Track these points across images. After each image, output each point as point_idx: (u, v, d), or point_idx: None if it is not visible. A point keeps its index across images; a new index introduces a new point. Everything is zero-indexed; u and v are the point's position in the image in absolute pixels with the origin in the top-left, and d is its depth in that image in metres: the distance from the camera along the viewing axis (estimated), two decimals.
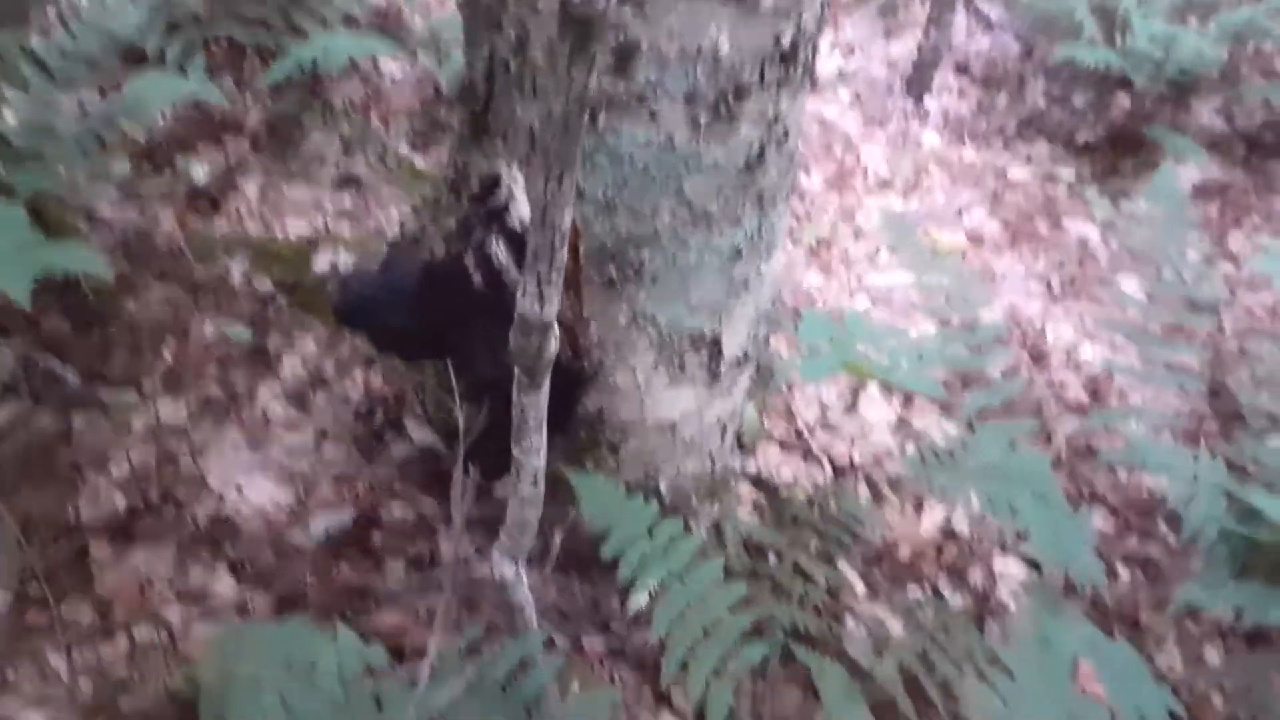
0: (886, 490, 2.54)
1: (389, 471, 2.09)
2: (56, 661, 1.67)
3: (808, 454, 2.56)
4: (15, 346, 2.17)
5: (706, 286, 1.75)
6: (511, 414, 1.86)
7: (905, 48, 4.60)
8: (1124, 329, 2.91)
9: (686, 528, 1.80)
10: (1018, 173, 4.03)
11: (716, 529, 2.06)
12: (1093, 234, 3.68)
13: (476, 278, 1.73)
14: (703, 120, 1.59)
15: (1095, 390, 2.97)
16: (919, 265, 2.49)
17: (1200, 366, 2.95)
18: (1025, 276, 3.43)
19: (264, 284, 2.44)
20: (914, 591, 2.27)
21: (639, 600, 1.69)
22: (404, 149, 3.34)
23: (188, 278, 2.45)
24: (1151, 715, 1.75)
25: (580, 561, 1.95)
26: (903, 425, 2.75)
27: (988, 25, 4.82)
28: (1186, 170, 3.95)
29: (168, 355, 2.25)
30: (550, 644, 1.77)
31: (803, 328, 2.22)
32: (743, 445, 2.35)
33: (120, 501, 1.95)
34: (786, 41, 1.58)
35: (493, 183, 1.75)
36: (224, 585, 1.85)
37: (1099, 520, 2.57)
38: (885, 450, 2.65)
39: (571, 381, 1.83)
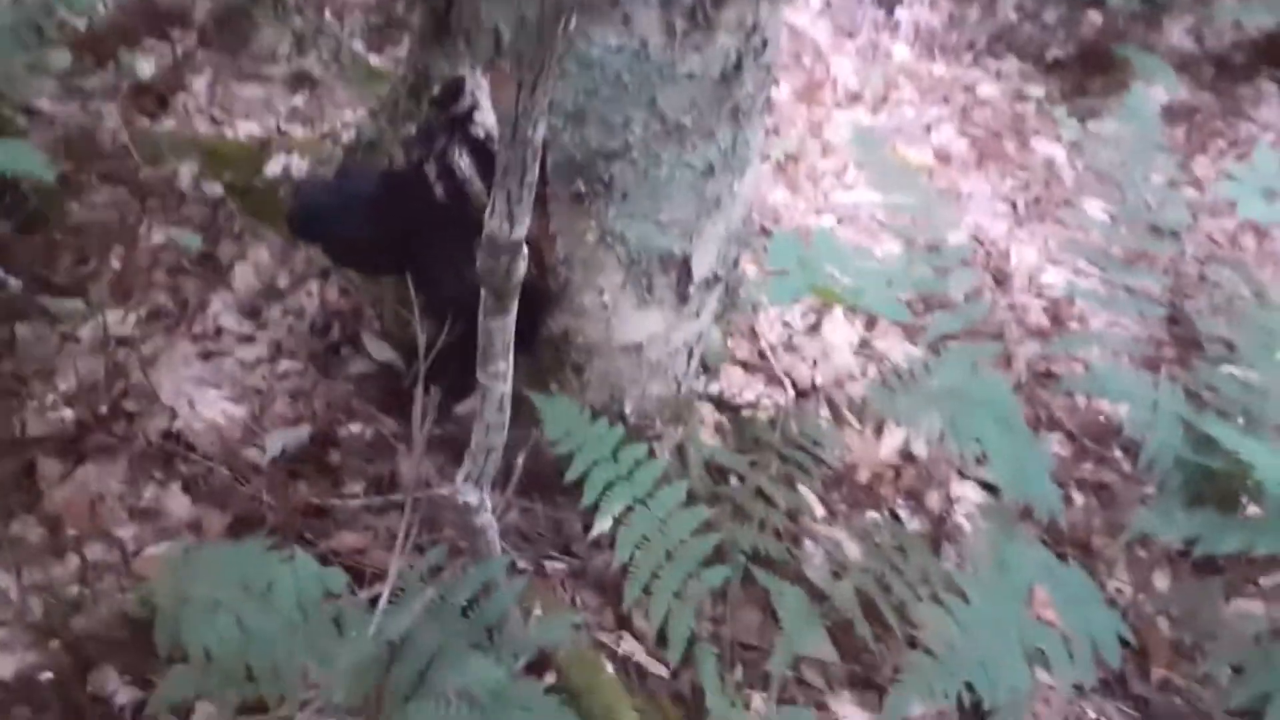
0: (847, 413, 2.54)
1: (346, 388, 2.04)
2: (5, 581, 1.62)
3: (770, 376, 2.55)
4: None
5: (677, 204, 1.70)
6: (475, 332, 1.83)
7: None
8: (1087, 253, 2.91)
9: (651, 452, 1.78)
10: (987, 89, 3.97)
11: (680, 451, 2.05)
12: (1059, 154, 3.65)
13: (438, 189, 1.66)
14: (679, 26, 1.52)
15: (1056, 315, 2.98)
16: (886, 183, 2.45)
17: (1161, 292, 2.96)
18: (991, 197, 3.41)
19: (214, 188, 2.35)
20: (872, 514, 2.28)
21: (603, 525, 1.67)
22: (359, 47, 3.21)
23: (134, 180, 2.35)
24: (1102, 640, 1.79)
25: (542, 484, 1.93)
26: (865, 347, 2.74)
27: None
28: (1155, 91, 3.91)
29: (115, 262, 2.16)
30: (513, 568, 1.75)
31: (771, 249, 2.18)
32: (706, 367, 2.32)
33: (68, 415, 1.88)
34: None
35: (455, 88, 1.67)
36: (177, 503, 1.80)
37: (1056, 445, 2.60)
38: (847, 372, 2.65)
39: (536, 301, 1.78)
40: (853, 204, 3.21)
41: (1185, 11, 4.23)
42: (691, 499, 1.80)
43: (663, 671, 1.77)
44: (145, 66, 2.74)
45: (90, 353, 1.99)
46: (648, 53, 1.52)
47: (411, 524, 1.79)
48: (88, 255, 2.18)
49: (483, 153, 1.60)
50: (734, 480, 2.11)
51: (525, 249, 1.26)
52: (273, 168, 2.30)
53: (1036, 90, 3.99)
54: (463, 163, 1.61)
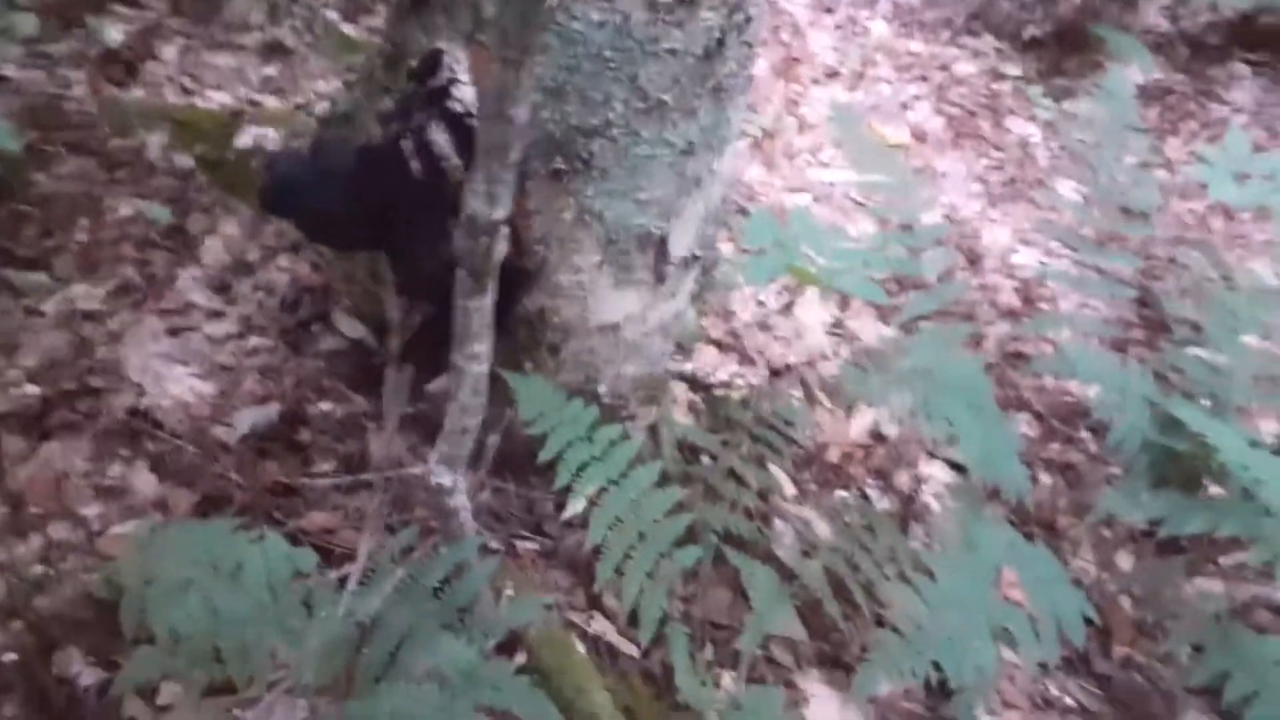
0: (819, 392, 2.55)
1: (317, 366, 2.02)
2: None
3: (744, 355, 2.55)
4: None
5: (657, 182, 1.69)
6: (448, 311, 1.81)
7: None
8: (1059, 234, 2.93)
9: (625, 432, 1.78)
10: (964, 68, 3.97)
11: (653, 431, 2.05)
12: (1034, 134, 3.67)
13: (414, 165, 1.64)
14: (662, 1, 1.50)
15: (1027, 295, 2.99)
16: (863, 162, 2.44)
17: (1131, 274, 2.98)
18: (965, 176, 3.41)
19: (184, 160, 2.31)
20: (842, 493, 2.30)
21: (576, 506, 1.67)
22: (333, 16, 3.16)
23: (102, 150, 2.31)
24: (1067, 619, 1.82)
25: (515, 463, 1.92)
26: (838, 327, 2.75)
27: None
28: (1130, 72, 3.93)
29: (81, 234, 2.12)
30: (486, 549, 1.75)
31: (748, 228, 2.18)
32: (680, 346, 2.32)
33: (32, 391, 1.86)
34: None
35: (433, 61, 1.64)
36: (144, 481, 1.78)
37: (1024, 425, 2.62)
38: (820, 352, 2.65)
39: (512, 280, 1.77)
40: (828, 182, 3.21)
41: None
42: (664, 479, 1.80)
43: (633, 651, 1.78)
44: (114, 33, 2.68)
45: (55, 328, 1.96)
46: (630, 28, 1.51)
47: (382, 503, 1.79)
48: (53, 227, 2.14)
49: (461, 128, 1.58)
50: (706, 460, 2.11)
51: (505, 229, 1.25)
52: (244, 139, 2.27)
53: (1013, 69, 3.99)
54: (440, 138, 1.59)
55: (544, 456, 1.68)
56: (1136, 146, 2.52)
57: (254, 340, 2.04)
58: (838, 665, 1.91)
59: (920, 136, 3.56)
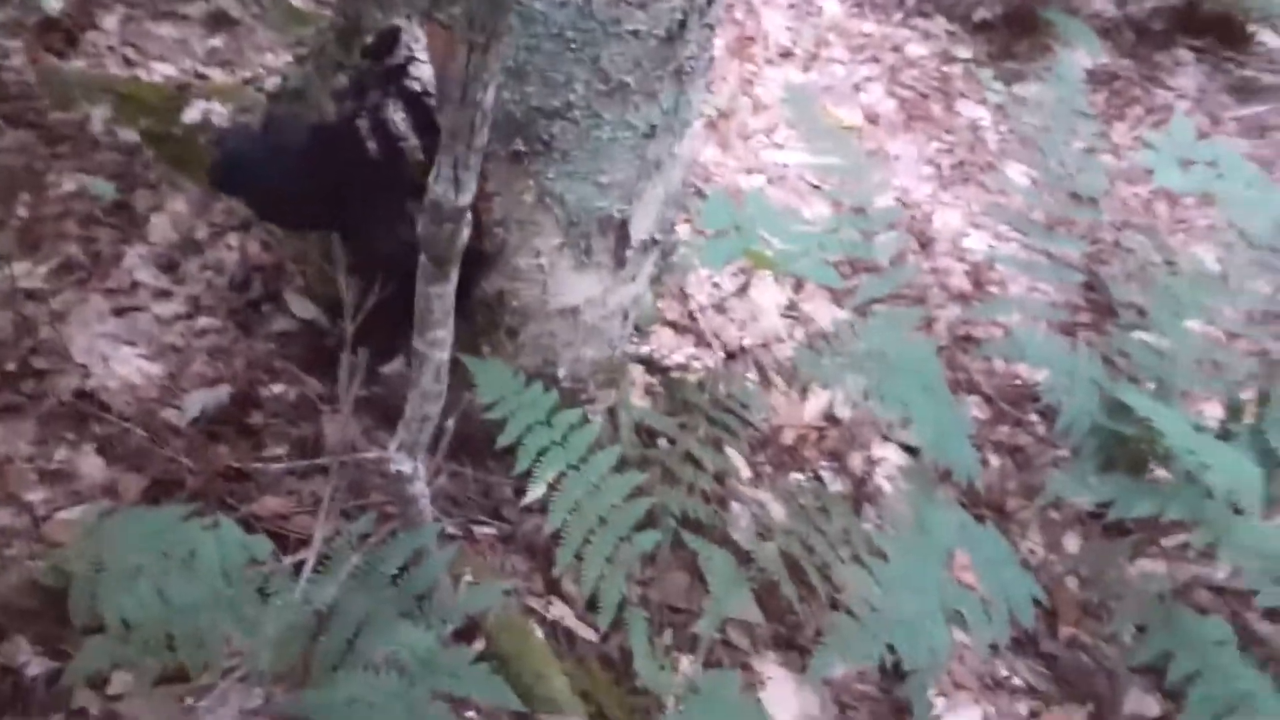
0: (773, 374, 2.56)
1: (268, 347, 1.99)
2: None
3: (700, 337, 2.55)
4: None
5: (618, 165, 1.68)
6: (405, 292, 1.79)
7: None
8: (1008, 217, 2.96)
9: (584, 417, 1.77)
10: (915, 49, 3.99)
11: (611, 414, 2.04)
12: (984, 117, 3.70)
13: (370, 144, 1.61)
14: None
15: (977, 279, 3.03)
16: (817, 144, 2.45)
17: (1079, 258, 3.02)
18: (917, 159, 3.44)
19: (129, 134, 2.24)
20: (796, 476, 2.31)
21: (537, 491, 1.66)
22: None
23: (42, 123, 2.23)
24: (1016, 600, 1.85)
25: (472, 447, 1.91)
26: (792, 309, 2.76)
27: None
28: (1077, 56, 3.97)
29: (22, 210, 2.06)
30: (444, 536, 1.74)
31: (705, 211, 2.17)
32: (637, 327, 2.32)
33: None
34: None
35: (390, 38, 1.61)
36: (91, 465, 1.74)
37: (974, 408, 2.65)
38: (775, 334, 2.66)
39: (471, 262, 1.74)
40: (783, 163, 3.21)
41: None
42: (622, 463, 1.79)
43: (592, 636, 1.78)
44: (53, 1, 2.59)
45: None
46: (592, 8, 1.49)
47: (337, 488, 1.76)
48: None
49: (419, 107, 1.55)
50: (663, 443, 2.11)
51: (469, 215, 1.23)
52: (192, 114, 2.21)
53: (964, 52, 4.02)
54: (397, 117, 1.56)
55: (503, 441, 1.67)
56: (1084, 131, 2.55)
57: (203, 320, 1.99)
58: (793, 648, 1.93)
59: (873, 118, 3.57)
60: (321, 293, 2.06)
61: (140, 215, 2.13)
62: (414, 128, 1.58)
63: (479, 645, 1.65)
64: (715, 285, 2.72)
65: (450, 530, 1.80)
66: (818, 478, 2.34)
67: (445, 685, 1.39)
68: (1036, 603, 1.86)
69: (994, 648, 2.01)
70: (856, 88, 3.67)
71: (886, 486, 2.34)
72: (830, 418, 2.50)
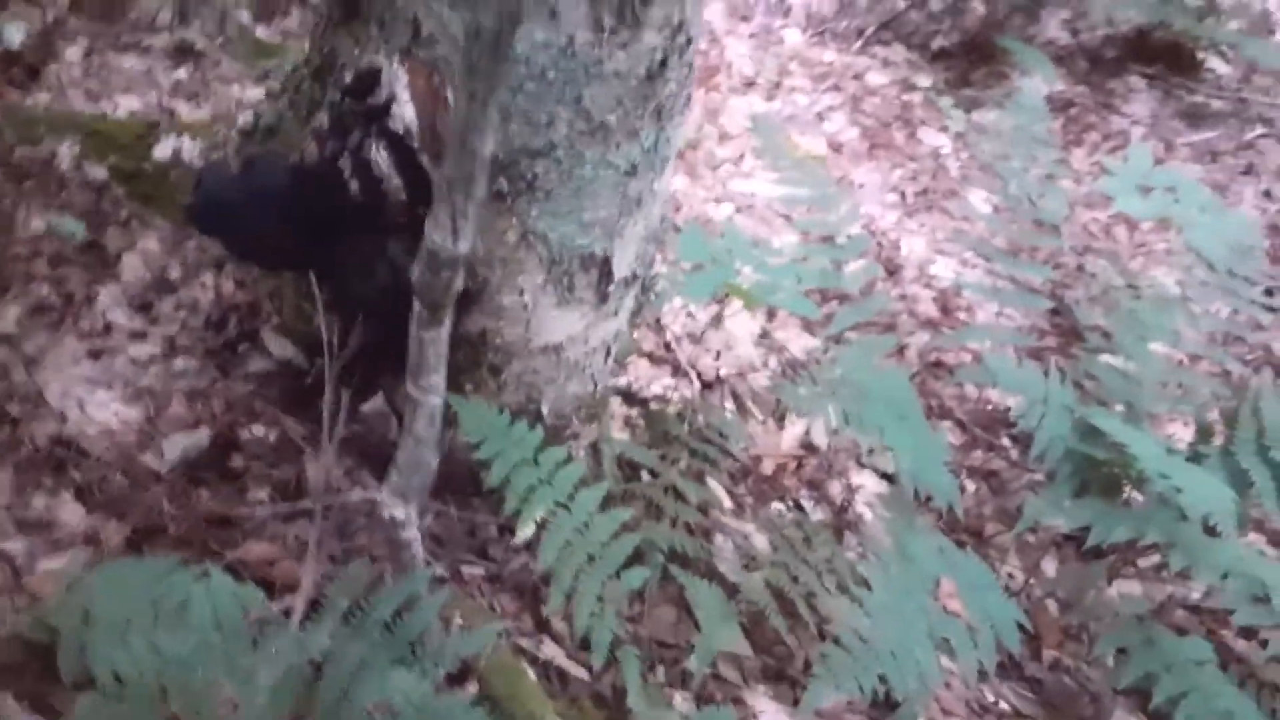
0: (750, 404, 2.58)
1: (246, 388, 1.96)
2: None
3: (676, 367, 2.56)
4: None
5: (600, 203, 1.68)
6: (386, 331, 1.78)
7: None
8: (973, 244, 3.01)
9: (569, 454, 1.76)
10: (876, 78, 4.05)
11: (594, 449, 2.04)
12: (946, 145, 3.75)
13: (353, 185, 1.61)
14: (607, 23, 1.50)
15: (945, 305, 3.07)
16: (784, 174, 2.47)
17: (1043, 283, 3.08)
18: (881, 187, 3.48)
19: (98, 171, 2.21)
20: (777, 505, 2.32)
21: (526, 531, 1.65)
22: (245, 18, 3.07)
23: (7, 160, 2.20)
24: (1002, 626, 1.87)
25: (455, 486, 1.90)
26: (766, 338, 2.78)
27: None
28: (1034, 83, 4.05)
29: None
30: (436, 580, 1.72)
31: (682, 245, 2.18)
32: (615, 360, 2.32)
33: None
34: None
35: (371, 78, 1.61)
36: (71, 514, 1.70)
37: (947, 433, 2.68)
38: (750, 363, 2.68)
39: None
40: (750, 193, 3.24)
41: (1062, 5, 4.38)
42: (608, 499, 1.79)
43: (583, 674, 1.77)
44: (13, 33, 2.55)
45: None
46: (574, 49, 1.50)
47: (323, 532, 1.74)
48: None
49: (401, 147, 1.55)
50: (645, 476, 2.11)
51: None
52: (162, 150, 2.18)
53: (924, 80, 4.08)
54: (380, 157, 1.55)
55: (492, 482, 1.66)
56: (1044, 158, 2.60)
57: (180, 362, 1.96)
58: (783, 679, 1.93)
59: (836, 147, 3.62)
60: (298, 331, 2.04)
61: (111, 254, 2.09)
62: (396, 167, 1.58)
63: (472, 688, 1.64)
64: (690, 315, 2.73)
65: (439, 571, 1.78)
66: (798, 506, 2.35)
67: None
68: (1020, 627, 1.88)
69: (982, 673, 2.03)
70: (820, 116, 3.72)
71: (867, 514, 2.36)
72: (808, 445, 2.52)
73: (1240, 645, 2.24)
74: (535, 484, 1.69)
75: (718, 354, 2.65)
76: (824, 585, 1.96)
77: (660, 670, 1.83)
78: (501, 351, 1.78)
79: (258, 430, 1.91)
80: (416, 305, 1.24)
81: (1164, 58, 4.27)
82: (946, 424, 2.71)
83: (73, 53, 2.68)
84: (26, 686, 1.46)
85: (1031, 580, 2.33)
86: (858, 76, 4.01)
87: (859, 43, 4.21)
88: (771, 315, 2.81)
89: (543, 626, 1.82)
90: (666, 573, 1.88)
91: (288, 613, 1.63)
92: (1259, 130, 4.05)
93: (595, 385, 1.97)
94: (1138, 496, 2.24)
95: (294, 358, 2.03)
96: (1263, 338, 3.08)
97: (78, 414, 1.83)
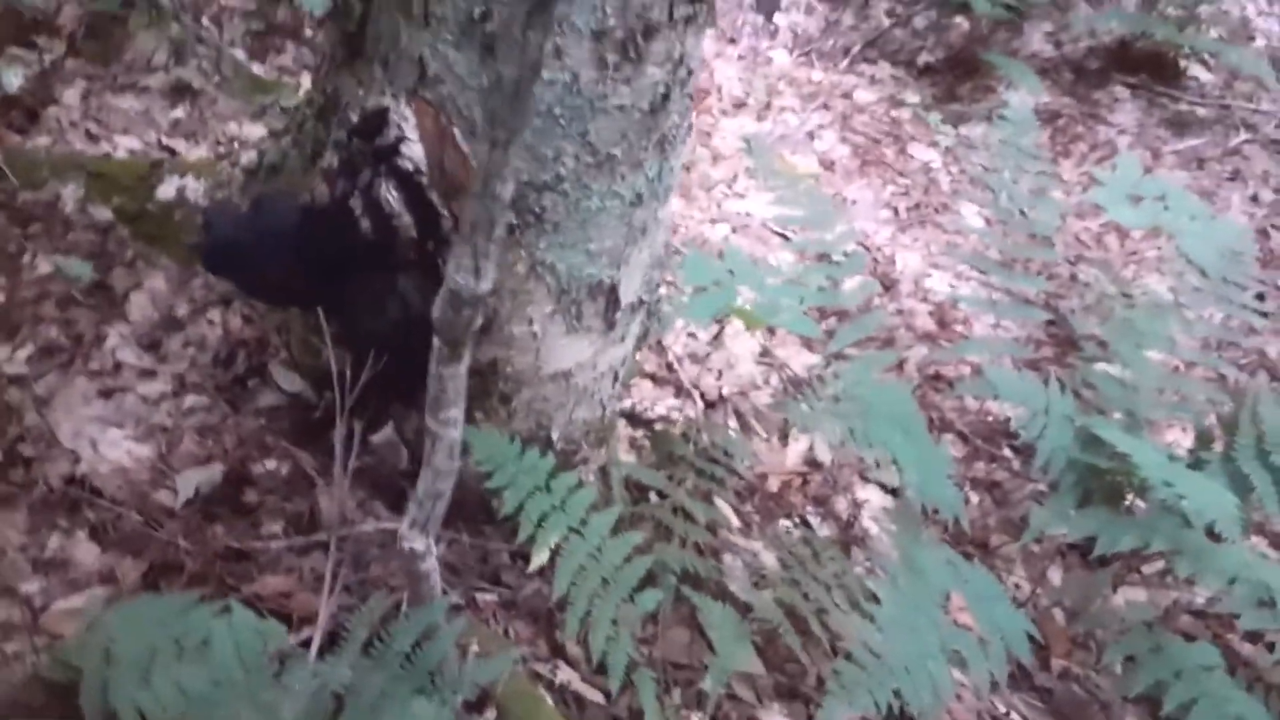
0: (754, 422, 2.60)
1: (257, 423, 1.97)
2: None
3: (679, 387, 2.58)
4: None
5: (607, 233, 1.71)
6: (396, 365, 1.80)
7: None
8: (966, 257, 3.04)
9: (580, 479, 1.78)
10: (864, 95, 4.09)
11: (603, 473, 2.05)
12: (935, 159, 3.80)
13: (364, 223, 1.63)
14: (610, 60, 1.53)
15: (942, 319, 3.09)
16: (778, 192, 2.50)
17: (1037, 294, 3.11)
18: (874, 203, 3.52)
19: (102, 212, 2.22)
20: (784, 523, 2.34)
21: (540, 558, 1.67)
22: (240, 55, 3.10)
23: (11, 204, 2.21)
24: (1012, 637, 1.88)
25: (467, 513, 1.91)
26: (766, 356, 2.80)
27: None
28: (1020, 96, 4.10)
29: None
30: (453, 608, 1.73)
31: (685, 268, 2.21)
32: (621, 383, 2.34)
33: None
34: None
35: (379, 118, 1.63)
36: (86, 553, 1.71)
37: (949, 446, 2.70)
38: (751, 381, 2.70)
39: None
40: (745, 213, 3.27)
41: (1044, 18, 4.44)
42: (619, 523, 1.81)
43: (600, 698, 1.78)
44: (13, 78, 2.57)
45: None
46: (579, 86, 1.52)
47: (338, 564, 1.75)
48: None
49: (411, 186, 1.57)
50: (653, 497, 2.13)
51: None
52: (166, 190, 2.20)
53: (911, 96, 4.13)
54: (390, 196, 1.58)
55: (506, 510, 1.68)
56: (1034, 169, 2.63)
57: (190, 399, 1.98)
58: (796, 697, 1.95)
59: (828, 165, 3.65)
60: (306, 365, 2.06)
61: (119, 294, 2.11)
62: (406, 205, 1.60)
63: (490, 715, 1.65)
64: (690, 335, 2.76)
65: (454, 599, 1.79)
66: (805, 523, 2.37)
67: None
68: (1029, 637, 1.90)
69: (993, 684, 2.04)
70: (810, 135, 3.76)
71: (873, 529, 2.38)
72: (812, 462, 2.54)
73: (1246, 649, 2.26)
74: (548, 510, 1.70)
75: (719, 373, 2.67)
76: (834, 601, 1.97)
77: (676, 692, 1.84)
78: (512, 380, 1.80)
79: (270, 464, 1.92)
80: (436, 342, 1.26)
81: (1147, 67, 4.33)
82: (948, 436, 2.73)
83: (71, 95, 2.70)
84: None
85: (1038, 590, 2.35)
86: (846, 95, 4.05)
87: (845, 61, 4.26)
88: (771, 333, 2.84)
89: (558, 651, 1.83)
90: (679, 594, 1.89)
91: (305, 645, 1.64)
92: (1243, 136, 4.10)
93: (603, 410, 1.99)
94: (1140, 504, 2.26)
95: (303, 391, 2.05)
96: (1256, 342, 3.11)
97: (90, 453, 1.84)
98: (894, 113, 4.01)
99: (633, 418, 2.38)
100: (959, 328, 3.07)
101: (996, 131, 2.70)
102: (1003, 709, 2.07)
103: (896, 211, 3.49)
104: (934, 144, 3.86)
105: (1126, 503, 2.28)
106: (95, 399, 1.93)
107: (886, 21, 4.48)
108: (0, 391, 1.87)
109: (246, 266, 1.72)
